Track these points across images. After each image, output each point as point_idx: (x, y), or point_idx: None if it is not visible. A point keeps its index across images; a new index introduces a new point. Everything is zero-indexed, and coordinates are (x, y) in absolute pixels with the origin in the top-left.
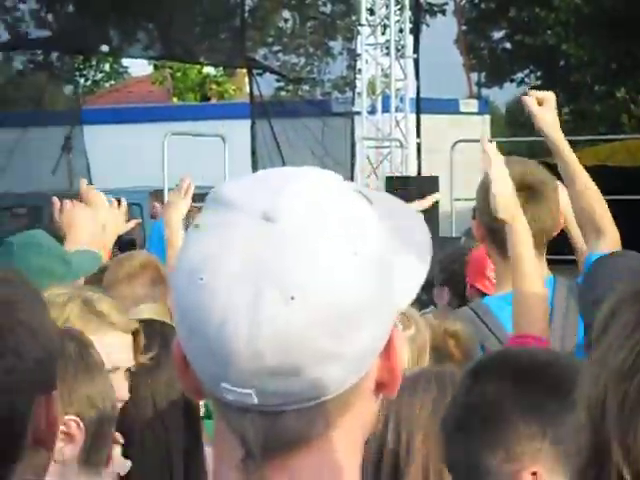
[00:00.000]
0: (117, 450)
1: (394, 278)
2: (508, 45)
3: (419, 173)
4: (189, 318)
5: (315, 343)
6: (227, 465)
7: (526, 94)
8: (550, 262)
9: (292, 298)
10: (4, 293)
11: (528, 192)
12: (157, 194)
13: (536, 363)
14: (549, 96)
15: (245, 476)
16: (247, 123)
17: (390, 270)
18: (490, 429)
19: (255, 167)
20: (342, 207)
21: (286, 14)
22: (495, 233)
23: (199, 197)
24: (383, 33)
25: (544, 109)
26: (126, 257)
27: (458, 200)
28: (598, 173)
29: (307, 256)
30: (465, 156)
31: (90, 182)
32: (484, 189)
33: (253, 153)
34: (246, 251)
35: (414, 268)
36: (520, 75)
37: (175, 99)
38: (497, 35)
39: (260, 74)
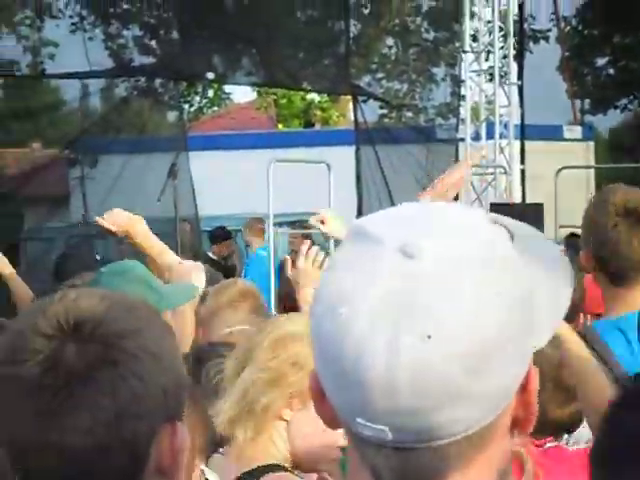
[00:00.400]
0: None
1: (535, 315)
2: (612, 71)
3: (523, 200)
4: (327, 351)
5: (452, 381)
6: None
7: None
8: None
9: (429, 337)
10: (129, 319)
11: (633, 218)
12: (252, 222)
13: None
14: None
15: None
16: (351, 149)
17: (530, 309)
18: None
19: (360, 193)
20: (485, 245)
21: (389, 41)
22: (605, 261)
23: (303, 223)
24: (487, 59)
25: None
26: (226, 285)
27: (563, 227)
28: None
29: (447, 294)
30: (570, 182)
31: (195, 208)
32: (588, 219)
33: (358, 179)
34: (386, 286)
35: (554, 304)
36: (624, 101)
37: (280, 125)
38: (601, 61)
39: (364, 101)
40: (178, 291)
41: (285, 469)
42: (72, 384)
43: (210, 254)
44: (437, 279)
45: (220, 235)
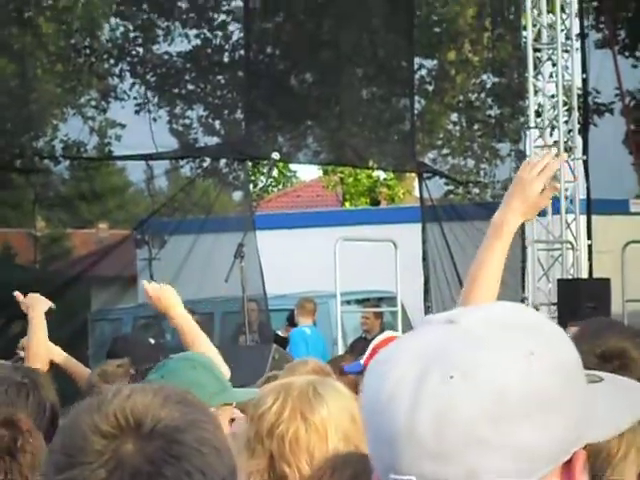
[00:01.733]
0: None
1: (587, 404)
2: None
3: (590, 275)
4: (366, 408)
5: (472, 426)
6: None
7: None
8: None
9: (451, 377)
10: (185, 412)
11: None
12: (302, 302)
13: None
14: None
15: None
16: (417, 227)
17: (576, 386)
18: None
19: (426, 271)
20: (523, 316)
21: (454, 117)
22: None
23: (373, 301)
24: (551, 135)
25: None
26: (299, 363)
27: (630, 301)
28: None
29: (477, 343)
30: (636, 257)
31: (263, 288)
32: None
33: (424, 257)
34: (422, 343)
35: (621, 411)
36: None
37: (347, 204)
38: None
39: (429, 177)
40: (241, 389)
41: None
42: None
43: (279, 332)
44: (470, 335)
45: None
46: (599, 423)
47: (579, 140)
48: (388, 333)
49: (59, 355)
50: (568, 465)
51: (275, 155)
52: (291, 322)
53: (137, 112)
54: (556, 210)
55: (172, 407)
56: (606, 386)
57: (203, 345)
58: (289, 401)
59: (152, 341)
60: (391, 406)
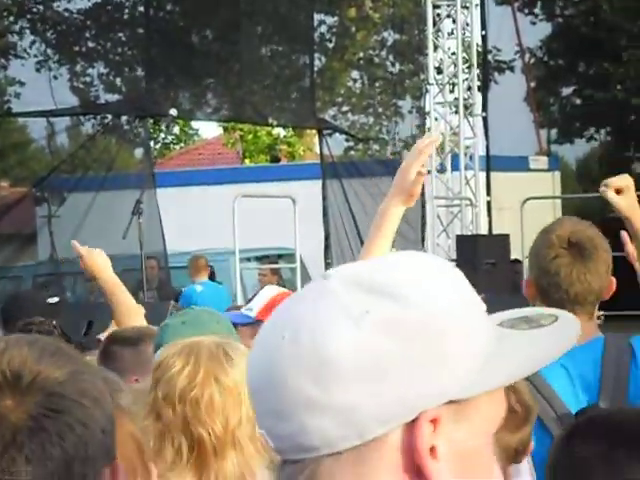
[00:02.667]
0: None
1: (448, 363)
2: (578, 101)
3: (490, 231)
4: None
5: (298, 385)
6: None
7: (605, 184)
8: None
9: (283, 337)
10: (63, 364)
11: (576, 250)
12: (193, 260)
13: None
14: (627, 182)
15: None
16: (317, 183)
17: (427, 349)
18: None
19: (326, 227)
20: (393, 277)
21: (355, 74)
22: (545, 291)
23: (272, 258)
24: (452, 91)
25: (624, 197)
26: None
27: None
28: None
29: (315, 303)
30: (535, 213)
31: (164, 245)
32: (533, 248)
33: (324, 213)
34: (290, 301)
35: (502, 372)
36: (591, 131)
37: (247, 161)
38: (566, 91)
39: (330, 134)
40: None
41: None
42: (19, 438)
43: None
44: (318, 294)
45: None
46: (471, 379)
47: (479, 97)
48: (275, 288)
49: None
50: (412, 425)
51: (173, 111)
52: None
53: (38, 70)
54: (455, 167)
55: (49, 359)
56: (528, 335)
57: (131, 309)
58: (201, 364)
59: (51, 300)
60: (249, 359)
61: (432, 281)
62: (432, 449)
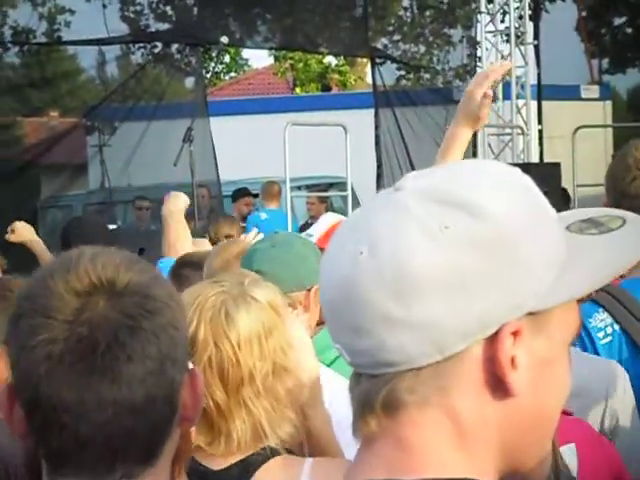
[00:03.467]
0: None
1: (530, 274)
2: (629, 30)
3: (541, 160)
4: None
5: (377, 301)
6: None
7: None
8: None
9: (361, 253)
10: (149, 271)
11: None
12: (266, 186)
13: None
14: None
15: (358, 439)
16: (368, 112)
17: (506, 261)
18: None
19: (379, 156)
20: (470, 190)
21: (405, 3)
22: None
23: (323, 186)
24: (502, 20)
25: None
26: (225, 246)
27: (581, 186)
28: None
29: (392, 218)
30: (587, 142)
31: (217, 173)
32: (610, 171)
33: (377, 142)
34: (359, 214)
35: (579, 282)
36: None
37: (298, 90)
38: (618, 21)
39: (381, 63)
40: None
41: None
42: (121, 337)
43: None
44: (394, 206)
45: (238, 194)
46: (549, 290)
47: (530, 26)
48: (335, 216)
49: (32, 234)
50: (492, 339)
51: (224, 39)
52: (234, 199)
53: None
54: (507, 95)
55: (135, 266)
56: (599, 240)
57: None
58: (201, 325)
59: (112, 226)
60: (323, 276)
61: (507, 192)
62: (512, 360)
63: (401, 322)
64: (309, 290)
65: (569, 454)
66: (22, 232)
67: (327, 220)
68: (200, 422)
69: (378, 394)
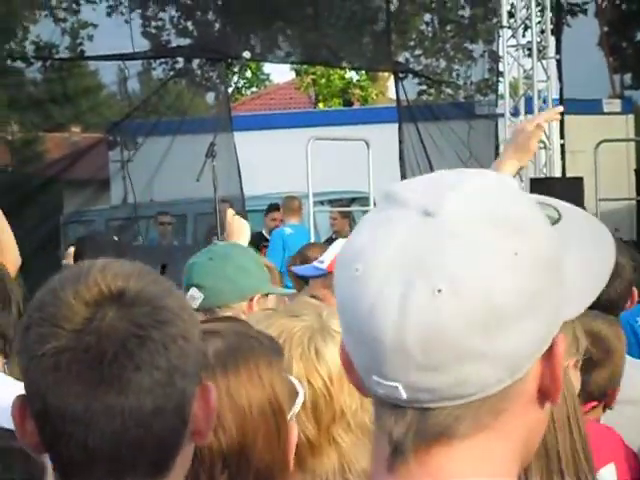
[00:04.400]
0: None
1: (564, 285)
2: None
3: (564, 174)
4: (345, 309)
5: (461, 339)
6: (379, 465)
7: None
8: None
9: (439, 291)
10: (160, 282)
11: None
12: (287, 201)
13: None
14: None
15: (393, 473)
16: (390, 127)
17: (557, 277)
18: None
19: (403, 171)
20: (508, 208)
21: (427, 17)
22: None
23: (345, 202)
24: (524, 35)
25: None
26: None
27: (603, 200)
28: None
29: (461, 250)
30: (609, 156)
31: (241, 188)
32: None
33: (401, 157)
34: (402, 243)
35: (590, 282)
36: None
37: (320, 105)
38: None
39: (403, 78)
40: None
41: None
42: (129, 346)
43: (263, 231)
44: (452, 235)
45: (270, 208)
46: (572, 297)
47: (552, 40)
48: None
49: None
50: (549, 352)
51: (246, 54)
52: (266, 214)
53: (109, 14)
54: (529, 109)
55: (147, 277)
56: (566, 234)
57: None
58: (292, 364)
59: (116, 238)
60: (375, 318)
61: (527, 203)
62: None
63: (485, 356)
64: (251, 300)
65: (609, 477)
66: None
67: (338, 246)
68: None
69: (438, 425)
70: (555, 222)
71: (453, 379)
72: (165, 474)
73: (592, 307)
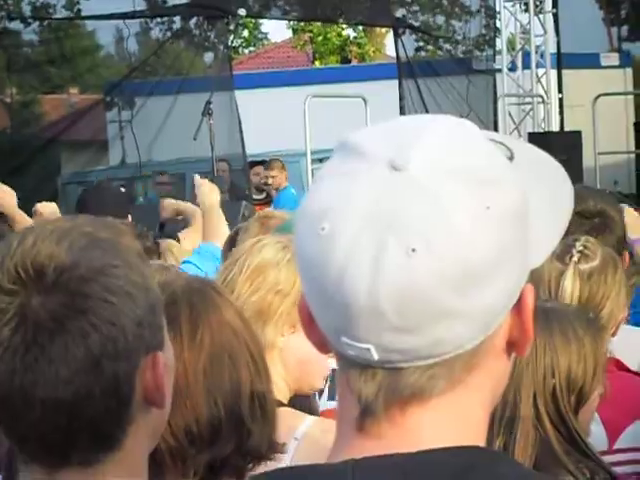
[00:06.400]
0: None
1: (529, 234)
2: None
3: (562, 128)
4: (310, 269)
5: (438, 299)
6: (346, 425)
7: None
8: None
9: (413, 250)
10: (92, 258)
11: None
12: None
13: None
14: None
15: (363, 433)
16: (388, 84)
17: (524, 227)
18: None
19: None
20: (476, 159)
21: None
22: None
23: None
24: None
25: None
26: (266, 214)
27: (602, 154)
28: None
29: (433, 207)
30: (608, 110)
31: (243, 147)
32: None
33: (402, 113)
34: (370, 201)
35: (552, 226)
36: None
37: (317, 63)
38: None
39: (401, 34)
40: None
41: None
42: (41, 339)
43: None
44: (424, 192)
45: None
46: (536, 244)
47: None
48: None
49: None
50: (518, 303)
51: (241, 11)
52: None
53: None
54: (527, 64)
55: (77, 254)
56: (521, 174)
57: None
58: (281, 270)
59: (122, 190)
60: (346, 281)
61: (494, 150)
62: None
63: (460, 314)
64: None
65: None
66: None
67: None
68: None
69: (411, 385)
70: (509, 160)
71: (428, 339)
72: (116, 446)
73: None
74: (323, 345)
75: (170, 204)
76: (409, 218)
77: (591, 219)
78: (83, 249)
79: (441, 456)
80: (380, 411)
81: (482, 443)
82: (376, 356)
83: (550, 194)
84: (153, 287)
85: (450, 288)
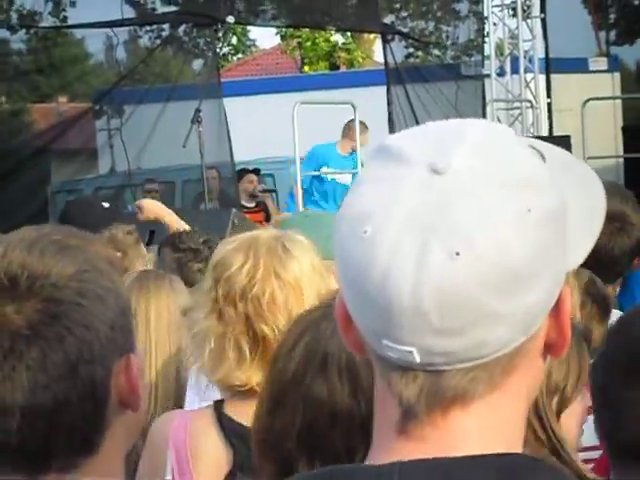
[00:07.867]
0: None
1: (567, 237)
2: (636, 2)
3: (550, 133)
4: (351, 271)
5: (480, 301)
6: (387, 427)
7: None
8: None
9: (457, 254)
10: (64, 264)
11: None
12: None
13: None
14: None
15: (405, 436)
16: (376, 90)
17: (563, 229)
18: None
19: (392, 133)
20: (515, 162)
21: None
22: None
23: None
24: None
25: None
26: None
27: (591, 158)
28: None
29: (476, 211)
30: (596, 114)
31: (231, 154)
32: None
33: (390, 119)
34: (412, 204)
35: (587, 227)
36: None
37: (306, 68)
38: None
39: (390, 40)
40: None
41: None
42: (17, 347)
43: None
44: (466, 195)
45: (240, 173)
46: (573, 246)
47: None
48: None
49: None
50: (556, 305)
51: (230, 18)
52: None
53: None
54: (515, 69)
55: (49, 261)
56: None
57: None
58: (260, 260)
59: (106, 205)
60: (389, 283)
61: (532, 154)
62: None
63: (502, 317)
64: None
65: None
66: (151, 208)
67: None
68: (255, 357)
69: (454, 388)
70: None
71: (470, 342)
72: (94, 449)
73: (593, 265)
74: (360, 347)
75: (154, 206)
76: (451, 221)
77: (612, 223)
78: (54, 256)
79: (485, 462)
80: (422, 414)
81: (520, 449)
82: (418, 359)
83: (584, 195)
84: (122, 292)
85: (493, 291)
